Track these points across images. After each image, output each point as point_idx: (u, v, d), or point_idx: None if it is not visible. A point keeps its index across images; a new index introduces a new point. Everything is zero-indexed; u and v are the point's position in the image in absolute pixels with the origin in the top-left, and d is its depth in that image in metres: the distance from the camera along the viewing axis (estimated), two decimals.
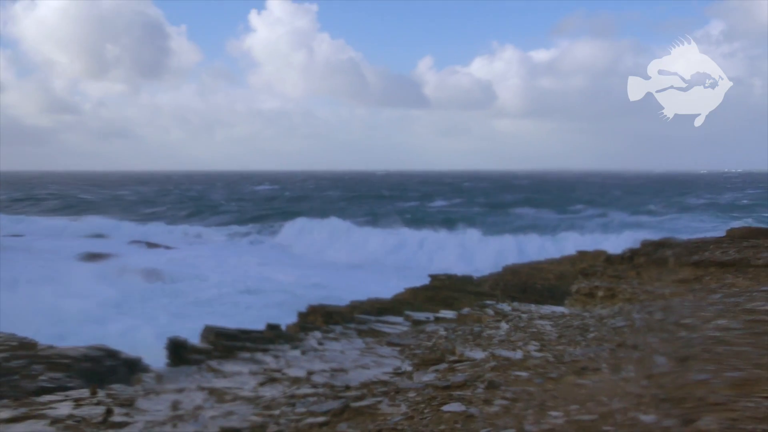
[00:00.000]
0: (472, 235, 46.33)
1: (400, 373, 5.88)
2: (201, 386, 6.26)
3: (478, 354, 6.01)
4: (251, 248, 49.41)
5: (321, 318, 11.88)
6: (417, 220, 61.65)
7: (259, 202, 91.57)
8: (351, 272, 37.67)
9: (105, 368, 12.18)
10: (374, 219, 61.60)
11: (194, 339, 12.17)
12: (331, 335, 9.09)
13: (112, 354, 12.59)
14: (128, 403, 5.79)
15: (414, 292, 13.35)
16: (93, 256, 41.81)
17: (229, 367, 7.71)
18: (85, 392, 6.59)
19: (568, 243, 38.39)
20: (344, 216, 60.87)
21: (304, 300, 28.10)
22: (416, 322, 9.11)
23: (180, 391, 6.18)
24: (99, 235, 54.78)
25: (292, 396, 5.42)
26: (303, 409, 4.91)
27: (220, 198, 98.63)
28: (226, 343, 11.32)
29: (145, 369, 11.54)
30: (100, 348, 12.62)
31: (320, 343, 8.49)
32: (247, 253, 44.20)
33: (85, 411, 5.59)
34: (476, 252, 41.20)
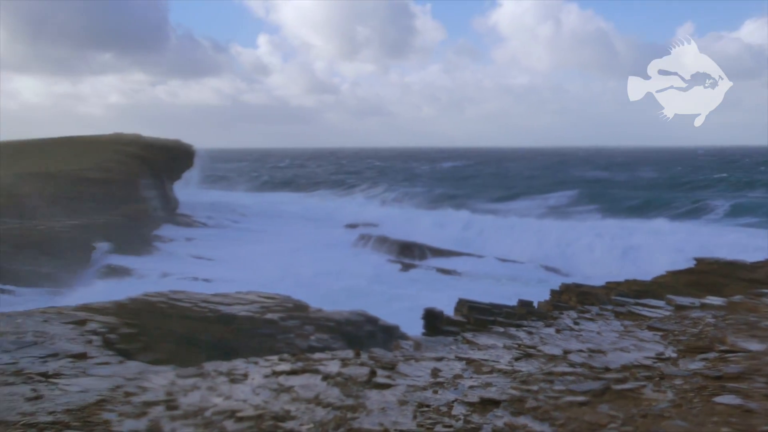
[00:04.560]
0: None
1: (663, 359, 5.60)
2: (459, 356, 6.44)
3: (754, 345, 5.53)
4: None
5: (575, 297, 11.61)
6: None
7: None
8: None
9: (364, 333, 13.02)
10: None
11: (448, 311, 12.54)
12: (586, 315, 8.86)
13: (371, 320, 13.40)
14: (390, 367, 6.12)
15: (676, 275, 12.54)
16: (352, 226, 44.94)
17: (483, 339, 7.84)
18: (349, 353, 7.09)
19: None
20: None
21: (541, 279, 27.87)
22: (679, 307, 8.57)
23: (439, 359, 6.41)
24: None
25: (550, 373, 5.39)
26: (562, 387, 4.87)
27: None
28: (478, 316, 11.51)
29: (402, 336, 12.14)
30: (360, 314, 13.51)
31: (576, 323, 8.33)
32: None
33: (351, 370, 6.02)
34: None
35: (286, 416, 4.65)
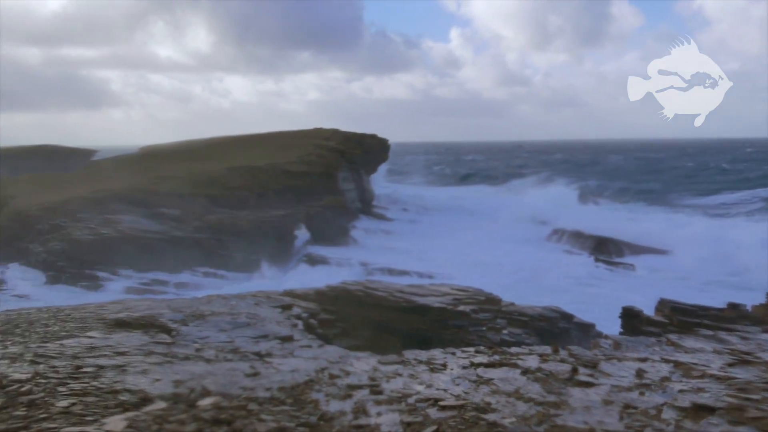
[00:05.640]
0: None
1: None
2: (664, 358, 6.15)
3: None
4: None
5: None
6: None
7: None
8: None
9: (558, 329, 12.76)
10: None
11: (646, 310, 12.00)
12: None
13: (565, 316, 13.12)
14: (591, 365, 5.96)
15: None
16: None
17: (689, 342, 7.44)
18: (546, 349, 6.98)
19: None
20: None
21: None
22: None
23: (643, 360, 6.16)
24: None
25: None
26: None
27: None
28: (682, 318, 10.92)
29: (598, 334, 11.78)
30: (554, 309, 13.26)
31: None
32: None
33: (551, 366, 5.93)
34: None
35: (487, 408, 4.69)
